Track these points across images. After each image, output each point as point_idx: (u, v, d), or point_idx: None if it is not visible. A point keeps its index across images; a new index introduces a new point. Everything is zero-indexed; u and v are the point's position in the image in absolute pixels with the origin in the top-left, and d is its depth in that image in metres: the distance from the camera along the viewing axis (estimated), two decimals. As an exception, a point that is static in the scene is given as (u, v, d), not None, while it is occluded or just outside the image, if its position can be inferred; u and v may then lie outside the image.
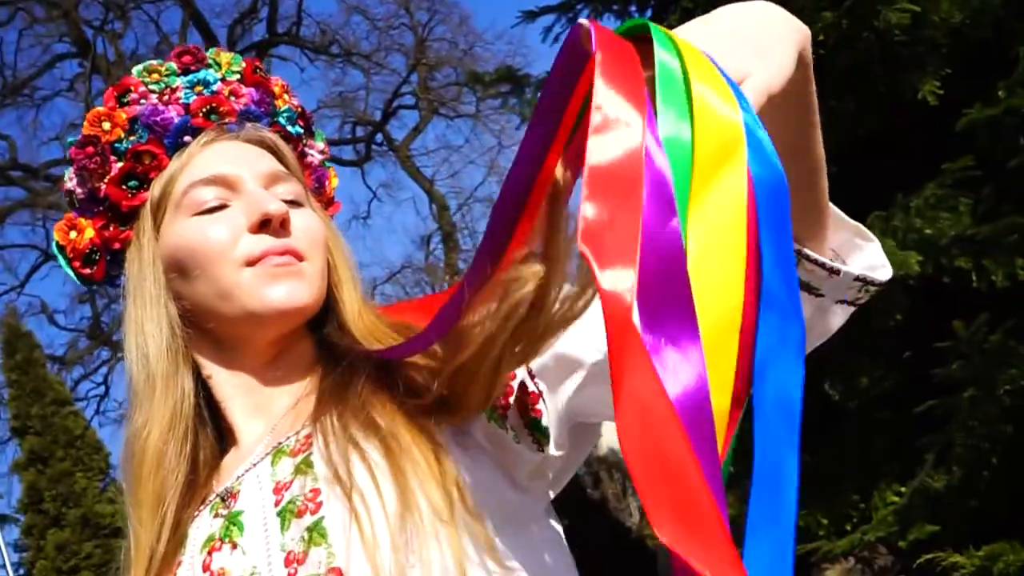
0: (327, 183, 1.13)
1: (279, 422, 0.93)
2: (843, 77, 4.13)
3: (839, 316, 0.90)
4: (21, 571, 11.60)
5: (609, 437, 6.50)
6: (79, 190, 1.01)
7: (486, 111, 15.33)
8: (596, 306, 0.86)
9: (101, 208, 1.00)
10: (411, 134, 16.77)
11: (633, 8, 6.08)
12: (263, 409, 0.96)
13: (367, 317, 0.96)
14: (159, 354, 0.94)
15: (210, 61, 1.06)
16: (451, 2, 16.31)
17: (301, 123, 1.10)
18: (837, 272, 0.85)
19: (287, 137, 1.07)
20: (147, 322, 0.95)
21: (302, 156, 1.10)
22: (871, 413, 4.81)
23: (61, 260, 1.03)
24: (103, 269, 1.02)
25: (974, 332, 3.63)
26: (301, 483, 0.83)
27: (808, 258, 0.85)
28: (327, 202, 1.13)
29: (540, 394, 0.85)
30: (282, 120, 1.08)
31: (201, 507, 0.92)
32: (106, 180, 0.99)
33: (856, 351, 4.81)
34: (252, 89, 1.06)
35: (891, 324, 4.58)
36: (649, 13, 5.98)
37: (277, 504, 0.84)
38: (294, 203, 0.98)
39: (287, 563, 0.80)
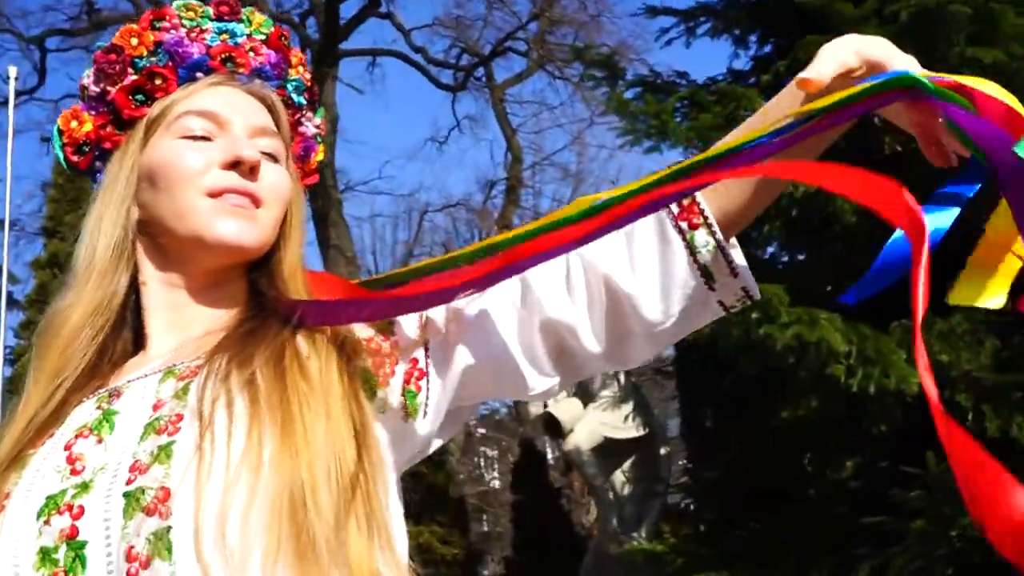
0: (312, 154, 1.21)
1: (184, 344, 0.99)
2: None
3: (709, 316, 0.97)
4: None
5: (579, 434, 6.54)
6: (93, 87, 1.09)
7: (589, 83, 15.23)
8: (495, 299, 0.97)
9: (105, 109, 1.09)
10: (512, 79, 16.74)
11: (753, 37, 6.04)
12: (179, 328, 1.02)
13: (300, 278, 1.05)
14: (106, 248, 1.03)
15: (243, 17, 1.13)
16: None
17: (307, 96, 1.18)
18: (736, 275, 0.94)
19: (289, 104, 1.15)
20: (106, 217, 1.04)
21: (298, 124, 1.17)
22: (831, 504, 4.83)
23: (56, 142, 1.11)
24: (88, 161, 1.10)
25: (944, 469, 3.63)
26: (172, 406, 0.90)
27: (724, 250, 0.94)
28: (308, 172, 1.21)
29: (426, 371, 0.96)
30: (289, 87, 1.15)
31: (90, 395, 0.98)
32: (117, 87, 1.07)
33: (842, 444, 4.84)
34: (272, 52, 1.13)
35: (878, 431, 4.58)
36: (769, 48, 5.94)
37: (149, 418, 0.90)
38: (272, 157, 1.06)
39: (131, 469, 0.85)
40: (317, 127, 1.20)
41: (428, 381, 0.97)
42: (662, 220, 0.94)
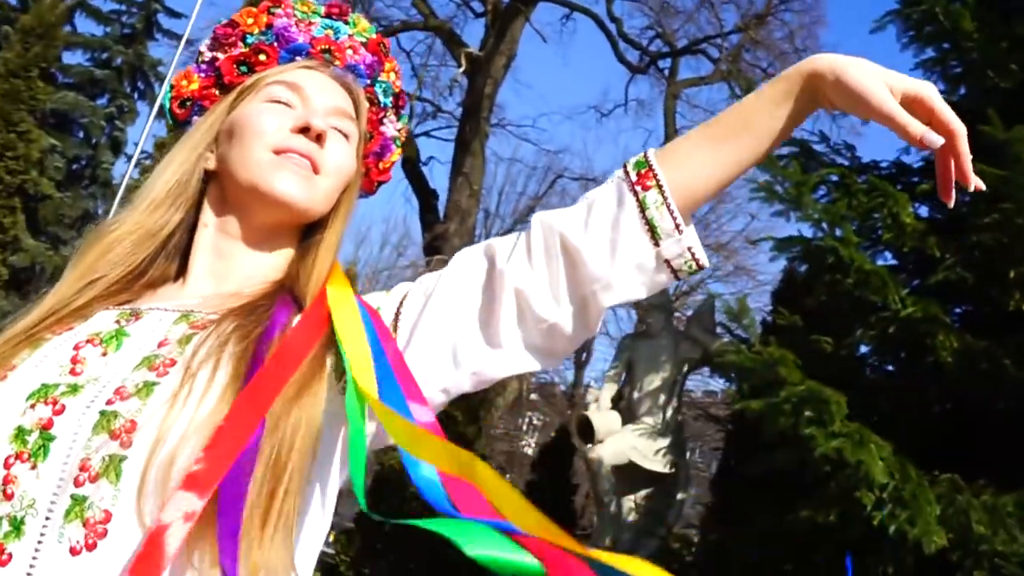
0: (388, 155, 1.30)
1: (212, 296, 1.06)
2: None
3: (657, 282, 1.00)
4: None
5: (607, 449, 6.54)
6: (207, 53, 1.22)
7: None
8: (459, 280, 1.01)
9: (212, 74, 1.21)
10: (693, 79, 16.45)
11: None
12: (216, 276, 1.10)
13: (328, 260, 1.11)
14: (166, 183, 1.13)
15: (349, 20, 1.25)
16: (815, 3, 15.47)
17: (393, 100, 1.28)
18: (681, 231, 0.97)
19: (375, 102, 1.25)
20: (177, 158, 1.14)
21: (380, 122, 1.27)
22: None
23: (165, 95, 1.24)
24: (187, 114, 1.22)
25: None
26: (172, 349, 0.95)
27: (669, 205, 0.97)
28: (380, 170, 1.30)
29: None
30: (378, 87, 1.25)
31: (116, 307, 1.04)
32: (226, 55, 1.20)
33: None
34: (368, 54, 1.24)
35: (884, 572, 4.47)
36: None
37: (150, 352, 0.95)
38: (343, 136, 1.15)
39: (116, 392, 0.90)
40: (398, 131, 1.29)
41: None
42: (620, 185, 1.00)
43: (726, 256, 16.91)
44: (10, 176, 7.43)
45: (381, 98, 1.25)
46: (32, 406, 0.91)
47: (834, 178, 5.33)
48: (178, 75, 1.23)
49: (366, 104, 1.22)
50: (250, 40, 1.19)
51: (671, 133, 16.29)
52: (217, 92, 1.20)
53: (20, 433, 0.90)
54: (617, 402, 7.19)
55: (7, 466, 0.88)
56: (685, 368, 7.31)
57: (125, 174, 13.96)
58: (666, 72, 16.63)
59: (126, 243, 1.09)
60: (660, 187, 0.98)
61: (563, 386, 20.68)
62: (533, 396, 20.73)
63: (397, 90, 1.28)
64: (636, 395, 7.14)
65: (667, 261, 0.98)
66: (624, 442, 6.79)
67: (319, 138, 1.11)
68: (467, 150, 15.15)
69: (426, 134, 18.28)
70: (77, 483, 0.85)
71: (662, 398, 7.09)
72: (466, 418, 9.61)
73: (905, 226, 5.13)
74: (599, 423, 6.82)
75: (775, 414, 4.46)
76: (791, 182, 4.97)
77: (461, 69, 15.25)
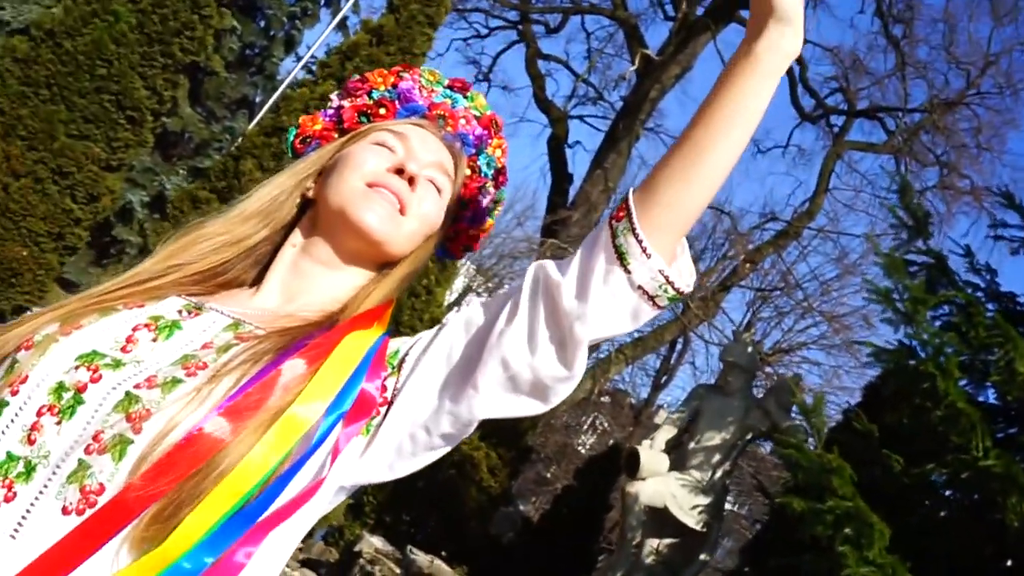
0: (480, 223, 1.37)
1: (272, 311, 1.13)
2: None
3: (638, 311, 1.00)
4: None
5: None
6: (335, 101, 1.34)
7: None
8: (455, 330, 1.04)
9: (335, 118, 1.31)
10: (859, 143, 15.87)
11: None
12: (284, 294, 1.17)
13: (369, 303, 1.15)
14: (260, 200, 1.21)
15: (469, 95, 1.35)
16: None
17: (494, 174, 1.35)
18: (648, 254, 0.98)
19: (476, 172, 1.32)
20: (278, 180, 1.23)
21: (478, 191, 1.33)
22: None
23: (291, 131, 1.34)
24: (304, 150, 1.31)
25: None
26: (210, 353, 1.00)
27: (635, 229, 0.98)
28: (469, 236, 1.37)
29: (390, 401, 1.03)
30: (482, 159, 1.33)
31: (186, 296, 1.12)
32: (351, 104, 1.31)
33: None
34: (480, 127, 1.33)
35: None
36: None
37: (192, 349, 1.01)
38: (436, 188, 1.22)
39: (147, 379, 0.96)
40: (494, 203, 1.36)
41: (388, 408, 1.03)
42: (603, 222, 1.02)
43: (837, 329, 16.37)
44: (182, 54, 7.78)
45: (484, 169, 1.33)
46: (77, 367, 0.98)
47: (958, 303, 5.10)
48: (306, 117, 1.33)
49: (465, 169, 1.30)
50: (375, 95, 1.29)
51: (820, 190, 15.80)
52: (336, 135, 1.30)
53: (59, 388, 0.97)
54: (671, 446, 7.11)
55: (39, 414, 0.95)
56: (748, 436, 7.18)
57: (290, 73, 14.46)
58: (836, 129, 16.12)
59: (211, 242, 1.17)
60: (629, 214, 0.99)
61: (634, 400, 20.53)
62: (604, 398, 20.65)
63: (500, 166, 1.35)
64: (692, 445, 7.05)
65: (640, 287, 0.98)
66: (665, 487, 6.73)
67: (411, 181, 1.18)
68: (614, 146, 15.06)
69: (580, 118, 18.24)
70: (87, 450, 0.92)
71: (716, 457, 6.98)
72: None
73: (1017, 375, 4.87)
74: (646, 460, 6.77)
75: (815, 520, 4.35)
76: (911, 296, 4.78)
77: (633, 67, 15.12)
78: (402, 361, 1.06)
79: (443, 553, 9.70)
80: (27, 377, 0.98)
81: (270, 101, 12.53)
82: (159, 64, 7.76)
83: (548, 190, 16.49)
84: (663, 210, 0.99)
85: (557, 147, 16.39)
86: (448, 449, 1.07)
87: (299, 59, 16.18)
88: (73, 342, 1.01)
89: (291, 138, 1.32)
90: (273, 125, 8.17)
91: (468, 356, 1.02)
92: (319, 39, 14.60)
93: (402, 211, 1.17)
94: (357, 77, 1.33)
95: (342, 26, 15.73)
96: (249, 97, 15.63)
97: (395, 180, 1.17)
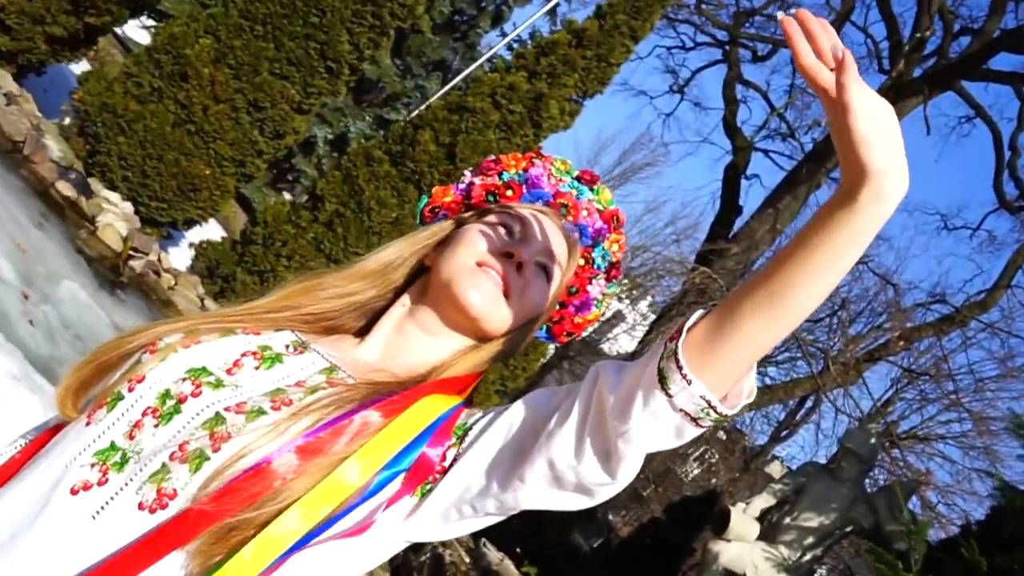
0: (586, 312, 1.39)
1: (369, 364, 1.22)
2: None
3: (681, 430, 0.98)
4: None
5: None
6: (467, 177, 1.39)
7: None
8: (509, 422, 1.09)
9: (464, 193, 1.37)
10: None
11: None
12: (384, 349, 1.23)
13: (453, 371, 1.20)
14: (377, 263, 1.29)
15: (595, 188, 1.38)
16: None
17: (608, 267, 1.37)
18: (689, 381, 0.95)
19: (590, 263, 1.35)
20: (398, 246, 1.31)
21: (589, 281, 1.36)
22: None
23: (423, 199, 1.41)
24: (432, 219, 1.38)
25: None
26: (299, 391, 1.07)
27: (677, 354, 0.96)
28: (575, 324, 1.39)
29: (446, 470, 1.07)
30: (597, 252, 1.36)
31: (295, 333, 1.20)
32: (481, 182, 1.36)
33: None
34: (600, 221, 1.36)
35: None
36: None
37: (285, 385, 1.09)
38: (545, 274, 1.26)
39: (237, 404, 1.03)
40: (603, 295, 1.38)
41: (443, 476, 1.07)
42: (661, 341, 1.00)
43: (982, 431, 15.35)
44: (390, 18, 8.07)
45: (598, 261, 1.35)
46: (184, 379, 1.07)
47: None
48: (438, 188, 1.39)
49: (579, 259, 1.33)
50: (505, 177, 1.34)
51: (1003, 284, 14.82)
52: (463, 210, 1.35)
53: (165, 395, 1.06)
54: (765, 515, 6.92)
55: (144, 414, 1.05)
56: (849, 528, 6.89)
57: (491, 49, 14.75)
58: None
59: (326, 292, 1.25)
60: (679, 337, 0.97)
61: (749, 445, 19.99)
62: (720, 434, 20.19)
63: (615, 259, 1.37)
64: (787, 520, 6.83)
65: (682, 410, 0.96)
66: (749, 554, 6.57)
67: (520, 266, 1.22)
68: (792, 188, 14.59)
69: (765, 152, 17.76)
70: (171, 456, 1.00)
71: (810, 539, 6.74)
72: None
73: None
74: (736, 523, 6.62)
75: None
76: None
77: (832, 114, 14.54)
78: (466, 433, 1.09)
79: (517, 550, 9.80)
80: (144, 377, 1.08)
81: (464, 72, 12.82)
82: (367, 23, 8.08)
83: (714, 217, 16.18)
84: (736, 343, 0.95)
85: (734, 176, 16.04)
86: (495, 522, 1.10)
87: (504, 35, 16.51)
88: (189, 355, 1.11)
89: (421, 205, 1.38)
90: (458, 103, 8.36)
91: (521, 445, 1.04)
92: (527, 20, 14.80)
93: (506, 294, 1.21)
94: (492, 157, 1.38)
95: (552, 13, 15.91)
96: (447, 61, 16.06)
97: (504, 263, 1.21)
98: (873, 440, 6.98)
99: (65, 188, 7.34)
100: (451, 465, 1.07)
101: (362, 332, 1.28)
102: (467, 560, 6.86)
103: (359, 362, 1.19)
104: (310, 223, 8.09)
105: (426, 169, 8.19)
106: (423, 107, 10.09)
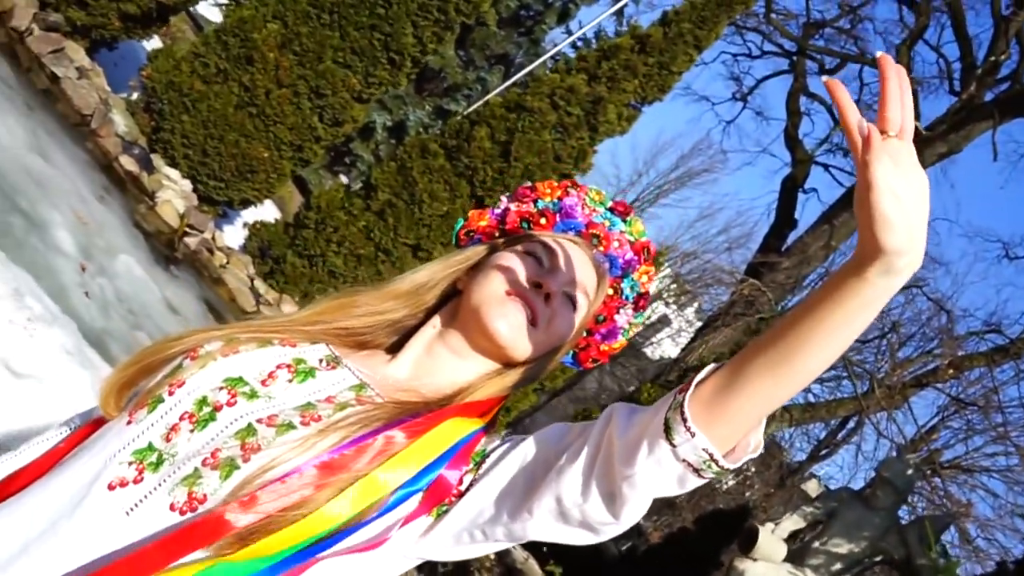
0: (613, 341, 1.41)
1: (398, 382, 1.23)
2: None
3: (684, 479, 1.01)
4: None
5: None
6: (504, 202, 1.41)
7: None
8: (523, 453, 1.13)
9: (500, 219, 1.41)
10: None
11: None
12: (414, 369, 1.27)
13: (478, 395, 1.24)
14: (412, 284, 1.33)
15: (628, 219, 1.40)
16: None
17: (636, 298, 1.40)
18: (692, 434, 0.98)
19: (618, 293, 1.38)
20: (434, 267, 1.35)
21: (616, 311, 1.39)
22: None
23: (459, 222, 1.44)
24: (467, 242, 1.42)
25: None
26: (329, 407, 1.11)
27: (682, 406, 1.00)
28: (600, 352, 1.42)
29: (463, 493, 1.11)
30: (626, 282, 1.38)
31: (330, 347, 1.24)
32: (516, 208, 1.39)
33: None
34: (631, 252, 1.38)
35: None
36: None
37: (316, 400, 1.13)
38: (572, 304, 1.29)
39: (269, 416, 1.08)
40: (628, 324, 1.40)
41: (458, 500, 1.12)
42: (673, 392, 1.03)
43: (1025, 468, 14.97)
44: (455, 14, 8.12)
45: (626, 292, 1.37)
46: (221, 388, 1.13)
47: None
48: (474, 212, 1.42)
49: (607, 289, 1.35)
50: (540, 205, 1.36)
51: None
52: (497, 235, 1.38)
53: (202, 402, 1.11)
54: (794, 536, 6.87)
55: (181, 418, 1.10)
56: (879, 558, 6.80)
57: (555, 47, 14.73)
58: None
59: (359, 310, 1.29)
60: (687, 390, 1.00)
61: (787, 461, 19.75)
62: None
63: (643, 291, 1.39)
64: (816, 544, 6.77)
65: (685, 460, 0.99)
66: (774, 573, 6.53)
67: (548, 297, 1.25)
68: (850, 206, 14.33)
69: (825, 166, 17.48)
70: (204, 462, 1.05)
71: (838, 566, 6.67)
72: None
73: None
74: (764, 542, 6.58)
75: None
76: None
77: (897, 133, 14.25)
78: (483, 460, 1.14)
79: (544, 549, 9.84)
80: (184, 383, 1.13)
81: (526, 69, 12.82)
82: (432, 18, 8.15)
83: (768, 228, 15.99)
84: (743, 400, 0.98)
85: (791, 188, 15.82)
86: (504, 547, 1.15)
87: (569, 33, 16.46)
88: (227, 364, 1.16)
89: (457, 228, 1.42)
90: (516, 101, 8.39)
91: (533, 477, 1.09)
92: (594, 20, 14.75)
93: (533, 322, 1.24)
94: (528, 184, 1.41)
95: (619, 14, 15.82)
96: (510, 55, 16.06)
97: (532, 293, 1.24)
98: (911, 471, 6.89)
99: (128, 163, 7.55)
100: (467, 490, 1.11)
101: (394, 348, 1.32)
102: (492, 557, 6.93)
103: (388, 379, 1.23)
104: (362, 211, 8.20)
105: (480, 165, 8.24)
106: (482, 101, 10.13)
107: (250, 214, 9.38)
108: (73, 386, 2.86)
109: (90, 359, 3.20)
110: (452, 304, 1.32)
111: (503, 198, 1.42)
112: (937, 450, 14.83)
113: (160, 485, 1.05)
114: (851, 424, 17.53)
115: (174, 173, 7.89)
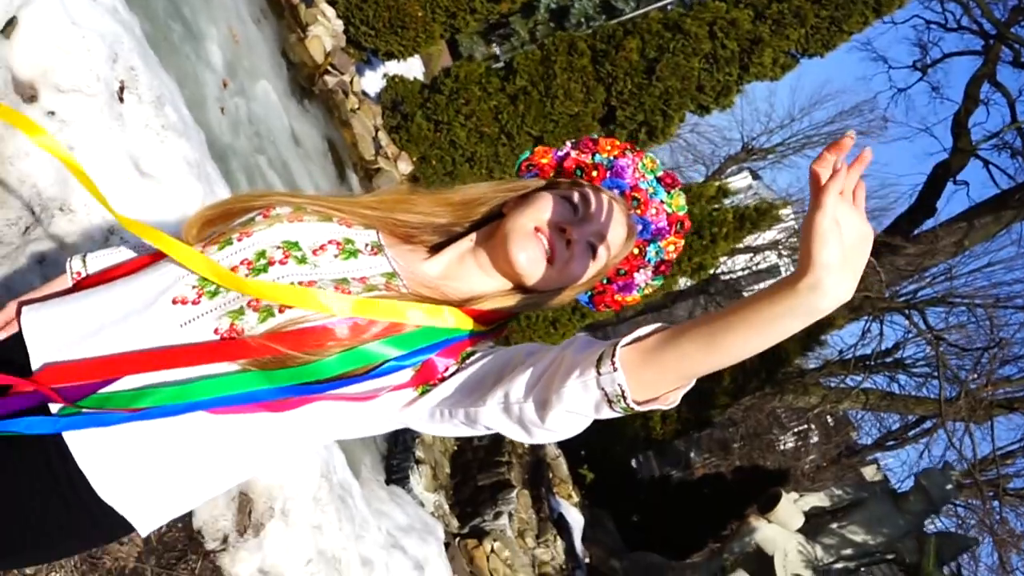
0: (627, 294, 1.57)
1: (427, 278, 1.40)
2: None
3: (599, 406, 1.15)
4: None
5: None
6: (566, 147, 1.55)
7: None
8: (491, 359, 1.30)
9: (559, 160, 1.54)
10: None
11: None
12: (446, 272, 1.44)
13: (484, 306, 1.39)
14: (464, 197, 1.49)
15: (672, 192, 1.52)
16: None
17: (658, 263, 1.54)
18: (615, 369, 1.13)
19: (641, 253, 1.52)
20: (486, 187, 1.51)
21: (636, 269, 1.54)
22: None
23: (525, 154, 1.57)
24: (526, 173, 1.56)
25: None
26: (358, 285, 1.28)
27: (615, 348, 1.14)
28: (614, 300, 1.57)
29: (444, 377, 1.31)
30: (652, 247, 1.52)
31: (375, 234, 1.41)
32: (575, 156, 1.52)
33: None
34: (664, 222, 1.52)
35: None
36: None
37: (351, 277, 1.30)
38: (593, 254, 1.43)
39: (309, 282, 1.25)
40: (647, 284, 1.56)
41: (440, 383, 1.30)
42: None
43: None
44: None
45: (650, 255, 1.52)
46: (278, 247, 1.31)
47: None
48: (540, 148, 1.57)
49: (632, 248, 1.50)
50: (597, 159, 1.50)
51: None
52: (553, 174, 1.54)
53: (261, 254, 1.33)
54: (815, 513, 7.00)
55: (241, 263, 1.31)
56: (890, 556, 6.88)
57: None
58: None
59: (410, 209, 1.46)
60: (626, 336, 1.15)
61: (854, 440, 19.50)
62: (829, 419, 19.72)
63: (667, 258, 1.54)
64: (833, 525, 6.89)
65: (603, 389, 1.14)
66: (784, 540, 6.70)
67: (569, 243, 1.41)
68: (997, 210, 13.53)
69: (986, 162, 16.51)
70: (249, 303, 1.25)
71: (848, 551, 6.80)
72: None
73: None
74: (782, 508, 6.74)
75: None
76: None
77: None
78: (468, 357, 1.31)
79: (582, 452, 10.19)
80: (251, 234, 1.35)
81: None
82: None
83: (904, 208, 15.36)
84: (674, 357, 1.11)
85: (942, 176, 15.07)
86: (470, 433, 1.34)
87: None
88: (290, 229, 1.36)
89: (521, 159, 1.56)
90: (676, 21, 8.24)
91: (499, 374, 1.25)
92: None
93: (550, 260, 1.39)
94: (593, 137, 1.52)
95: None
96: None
97: (556, 235, 1.40)
98: (949, 487, 6.86)
99: (291, -10, 7.80)
100: (449, 377, 1.30)
101: (436, 248, 1.49)
102: (525, 447, 7.31)
103: (418, 274, 1.40)
104: (497, 91, 8.32)
105: (622, 76, 8.20)
106: (644, 11, 9.92)
107: (394, 66, 9.60)
108: (186, 195, 2.98)
109: (208, 174, 3.32)
110: (493, 225, 1.47)
111: (567, 143, 1.53)
112: (1007, 476, 14.43)
113: (212, 311, 1.26)
114: (927, 424, 17.11)
115: (330, 11, 8.12)
